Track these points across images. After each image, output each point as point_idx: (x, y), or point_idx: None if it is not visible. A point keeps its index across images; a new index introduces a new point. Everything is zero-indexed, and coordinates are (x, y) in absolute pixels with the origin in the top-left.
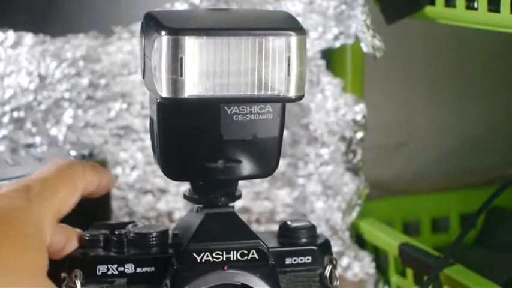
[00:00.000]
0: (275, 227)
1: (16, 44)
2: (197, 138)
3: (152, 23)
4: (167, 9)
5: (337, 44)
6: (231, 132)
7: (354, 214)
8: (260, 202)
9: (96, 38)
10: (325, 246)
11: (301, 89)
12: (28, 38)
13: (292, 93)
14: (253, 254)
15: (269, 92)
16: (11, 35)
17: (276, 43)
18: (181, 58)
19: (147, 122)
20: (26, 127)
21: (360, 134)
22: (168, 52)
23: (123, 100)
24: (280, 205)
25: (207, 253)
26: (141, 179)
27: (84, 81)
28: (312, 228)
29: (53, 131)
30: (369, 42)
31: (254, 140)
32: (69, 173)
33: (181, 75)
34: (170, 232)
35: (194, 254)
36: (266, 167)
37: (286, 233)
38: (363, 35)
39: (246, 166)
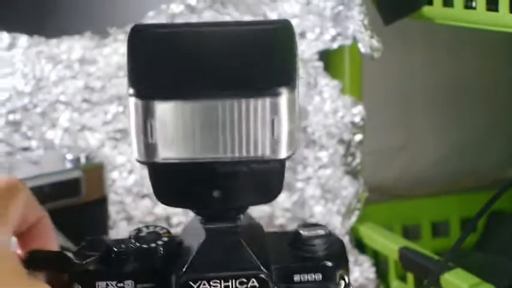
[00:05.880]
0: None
1: (11, 46)
2: (190, 171)
3: (129, 61)
4: (163, 10)
5: (335, 45)
6: (226, 165)
7: (354, 218)
8: (258, 206)
9: (92, 40)
10: (339, 261)
11: (291, 148)
12: (23, 39)
13: (281, 155)
14: (253, 282)
15: (252, 155)
16: (5, 36)
17: (258, 105)
18: (151, 122)
19: None
20: (21, 130)
21: (358, 137)
22: (138, 116)
23: (120, 103)
24: (279, 209)
25: (204, 281)
26: (138, 183)
27: (80, 83)
28: (327, 237)
29: (49, 134)
30: (367, 43)
31: (252, 171)
32: (8, 193)
33: (153, 140)
34: (176, 239)
35: (190, 283)
36: (267, 195)
37: (297, 243)
38: (361, 35)
39: (245, 195)
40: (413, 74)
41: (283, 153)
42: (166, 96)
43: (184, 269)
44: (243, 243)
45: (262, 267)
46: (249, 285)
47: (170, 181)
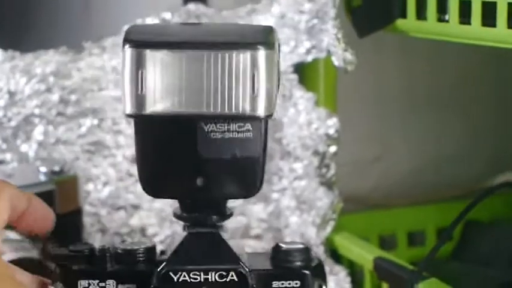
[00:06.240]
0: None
1: None
2: (174, 155)
3: (124, 37)
4: (138, 24)
5: (309, 58)
6: (208, 150)
7: (329, 228)
8: (234, 217)
9: (67, 54)
10: (317, 271)
11: (269, 107)
12: None
13: (259, 112)
14: (232, 276)
15: (233, 111)
16: None
17: (240, 59)
18: (142, 72)
19: (119, 138)
20: None
21: (333, 148)
22: (131, 66)
23: (94, 116)
24: (255, 220)
25: (184, 273)
26: (113, 195)
27: (55, 97)
28: (306, 250)
29: (24, 148)
30: (340, 56)
31: (234, 159)
32: None
33: (143, 91)
34: (158, 249)
35: (171, 274)
36: (248, 188)
37: (278, 255)
38: (335, 48)
39: (227, 186)
40: (388, 86)
41: (261, 111)
42: (156, 46)
43: (165, 262)
44: (224, 240)
45: (241, 263)
46: (228, 279)
47: (155, 160)
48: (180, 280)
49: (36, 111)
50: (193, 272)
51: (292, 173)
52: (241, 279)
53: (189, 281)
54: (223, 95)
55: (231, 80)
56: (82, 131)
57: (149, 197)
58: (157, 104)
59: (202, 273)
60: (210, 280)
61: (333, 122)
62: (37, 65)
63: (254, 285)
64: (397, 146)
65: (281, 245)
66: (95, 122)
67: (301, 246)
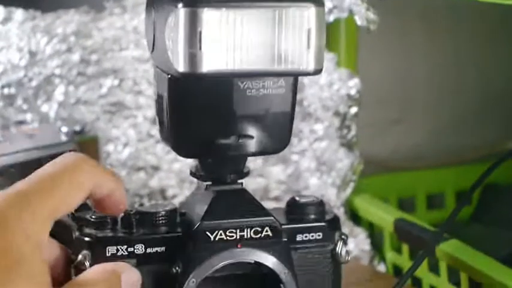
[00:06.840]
0: (271, 205)
1: (6, 20)
2: (209, 114)
3: None
4: None
5: (331, 18)
6: (243, 107)
7: (349, 190)
8: (254, 179)
9: (87, 14)
10: (335, 223)
11: (320, 62)
12: (18, 13)
13: (311, 67)
14: (266, 231)
15: (289, 66)
16: (0, 10)
17: (296, 15)
18: (200, 31)
19: (139, 99)
20: (16, 104)
21: (354, 109)
22: (185, 25)
23: (115, 76)
24: (274, 182)
25: (221, 231)
26: (133, 156)
27: (75, 57)
28: (321, 204)
29: (44, 108)
30: (363, 15)
31: (267, 114)
32: (73, 166)
33: (200, 49)
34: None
35: (207, 233)
36: (278, 143)
37: (294, 209)
38: (357, 7)
39: (258, 142)
40: (409, 48)
41: (312, 66)
42: (213, 5)
43: (200, 221)
44: (253, 196)
45: (274, 218)
46: (263, 234)
47: (188, 118)
48: (216, 239)
49: (57, 71)
50: (230, 230)
51: (313, 134)
52: (276, 234)
53: (225, 239)
54: (279, 51)
55: (288, 36)
56: (103, 91)
57: (169, 159)
58: (215, 62)
59: (238, 230)
60: (245, 237)
61: (354, 82)
62: (58, 25)
63: (286, 240)
64: (417, 108)
65: (297, 199)
66: (116, 82)
67: (316, 199)
